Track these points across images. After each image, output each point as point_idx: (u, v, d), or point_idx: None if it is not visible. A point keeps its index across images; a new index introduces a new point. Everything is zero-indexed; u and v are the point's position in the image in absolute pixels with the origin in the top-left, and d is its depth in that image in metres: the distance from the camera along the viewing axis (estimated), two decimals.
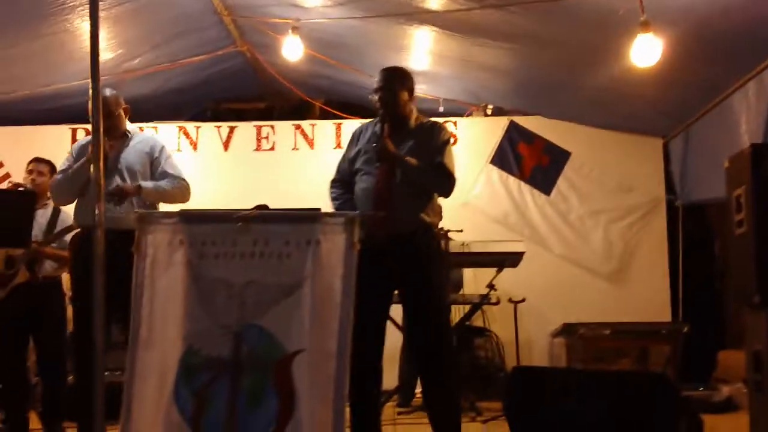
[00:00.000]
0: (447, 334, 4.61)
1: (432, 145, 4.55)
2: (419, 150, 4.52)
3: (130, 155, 5.09)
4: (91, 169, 3.60)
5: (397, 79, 4.63)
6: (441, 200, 4.72)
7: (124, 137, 5.16)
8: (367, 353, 4.40)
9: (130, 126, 5.30)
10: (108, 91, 5.15)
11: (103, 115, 4.77)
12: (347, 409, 3.54)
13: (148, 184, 5.03)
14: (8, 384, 5.91)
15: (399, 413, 6.43)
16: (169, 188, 5.11)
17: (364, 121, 8.58)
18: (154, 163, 5.16)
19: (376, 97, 4.62)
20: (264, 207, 7.10)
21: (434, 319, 4.49)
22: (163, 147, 5.31)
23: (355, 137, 4.78)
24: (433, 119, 4.90)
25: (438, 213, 4.66)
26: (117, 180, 4.96)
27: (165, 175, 5.16)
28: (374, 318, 4.45)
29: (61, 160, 5.41)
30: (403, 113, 4.61)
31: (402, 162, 4.45)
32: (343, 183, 4.76)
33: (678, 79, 6.69)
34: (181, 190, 5.20)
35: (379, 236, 4.26)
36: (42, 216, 5.83)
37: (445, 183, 4.55)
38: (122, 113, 5.19)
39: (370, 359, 4.45)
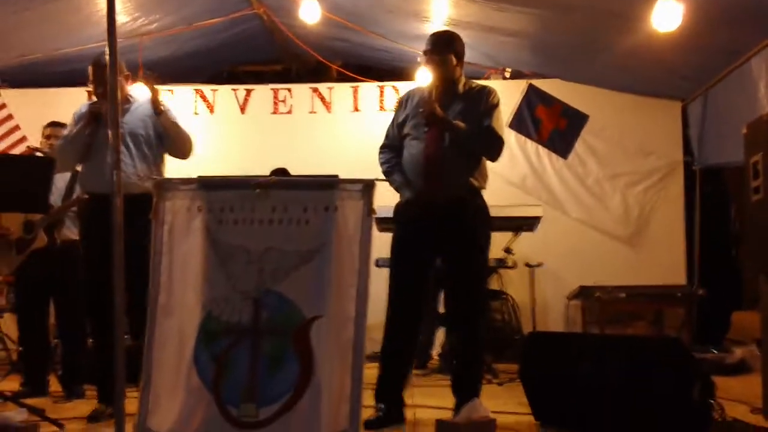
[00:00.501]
0: (484, 299, 4.68)
1: (480, 108, 4.53)
2: (468, 113, 4.51)
3: (133, 120, 5.06)
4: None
5: (446, 43, 4.62)
6: None
7: (126, 102, 5.13)
8: (405, 318, 4.52)
9: (132, 91, 5.27)
10: (104, 58, 5.11)
11: (100, 81, 4.86)
12: (365, 372, 3.55)
13: (171, 113, 5.05)
14: (29, 347, 6.01)
15: (415, 375, 6.47)
16: (183, 132, 5.10)
17: (382, 84, 8.72)
18: (155, 125, 5.07)
19: (424, 60, 4.66)
20: (283, 170, 7.19)
21: (475, 284, 4.57)
22: (165, 105, 5.21)
23: (403, 102, 4.76)
24: (481, 83, 4.85)
25: (485, 177, 4.66)
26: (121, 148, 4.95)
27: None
28: (415, 282, 4.53)
29: None
30: (452, 77, 4.60)
31: (450, 126, 4.44)
32: (392, 148, 4.74)
33: (697, 43, 6.64)
34: (190, 141, 5.16)
35: (429, 200, 4.38)
36: (61, 179, 5.85)
37: (494, 146, 4.54)
38: (123, 80, 5.14)
39: (407, 324, 4.54)
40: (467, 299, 4.53)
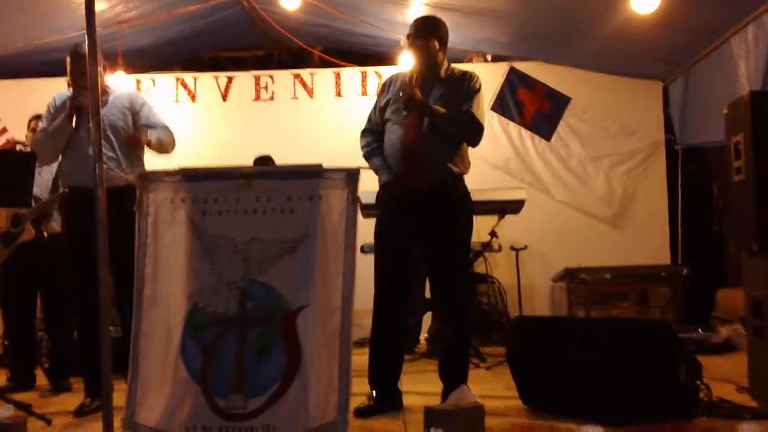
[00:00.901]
0: (469, 284, 4.68)
1: (461, 93, 4.54)
2: (449, 98, 4.52)
3: (112, 112, 5.01)
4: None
5: (429, 28, 4.63)
6: None
7: (104, 94, 5.07)
8: (392, 304, 4.53)
9: (108, 81, 5.24)
10: (82, 48, 5.08)
11: (79, 71, 4.81)
12: (352, 358, 3.54)
13: (152, 135, 4.97)
14: (16, 341, 5.98)
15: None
16: (165, 139, 5.07)
17: (365, 69, 8.69)
18: (135, 117, 5.06)
19: (407, 44, 4.70)
20: (267, 158, 7.17)
21: (459, 269, 4.58)
22: (143, 100, 5.25)
23: (386, 86, 4.75)
24: (460, 66, 4.86)
25: (467, 163, 4.65)
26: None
27: (151, 126, 5.08)
28: (400, 269, 4.55)
29: None
30: (434, 62, 4.59)
31: (428, 110, 4.45)
32: (373, 132, 4.75)
33: (677, 23, 6.66)
34: (173, 139, 5.17)
35: (409, 186, 4.39)
36: (47, 172, 5.83)
37: (472, 132, 4.54)
38: (102, 70, 5.09)
39: (395, 309, 4.56)
40: (451, 285, 4.55)
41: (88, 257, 3.76)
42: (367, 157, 4.71)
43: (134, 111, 5.08)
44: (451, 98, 4.52)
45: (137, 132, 4.96)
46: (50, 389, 5.68)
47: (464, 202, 4.62)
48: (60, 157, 5.06)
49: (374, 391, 4.47)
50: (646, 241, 8.36)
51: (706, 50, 7.19)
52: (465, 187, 4.66)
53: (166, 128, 5.13)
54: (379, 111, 4.71)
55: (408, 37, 4.65)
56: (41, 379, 5.90)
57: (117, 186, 4.49)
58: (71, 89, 5.10)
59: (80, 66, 4.71)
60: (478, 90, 4.58)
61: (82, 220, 3.65)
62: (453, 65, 4.75)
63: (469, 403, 3.96)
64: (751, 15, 6.18)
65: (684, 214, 8.39)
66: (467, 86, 4.56)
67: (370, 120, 4.80)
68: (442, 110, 4.45)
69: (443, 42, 4.63)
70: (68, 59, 5.02)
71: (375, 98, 4.91)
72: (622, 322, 4.99)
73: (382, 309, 4.52)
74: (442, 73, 4.62)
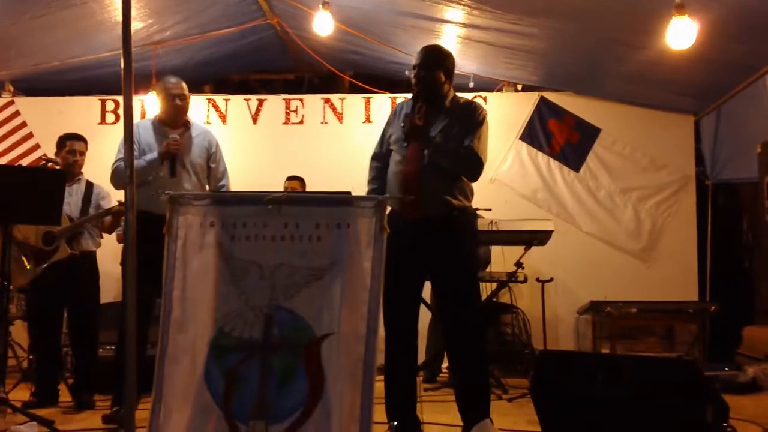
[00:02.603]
0: (477, 314, 4.59)
1: (465, 125, 4.46)
2: (452, 128, 4.44)
3: (195, 149, 5.28)
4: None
5: (435, 59, 4.55)
6: None
7: (185, 128, 5.27)
8: (401, 333, 4.44)
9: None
10: (174, 79, 5.36)
11: (177, 111, 5.11)
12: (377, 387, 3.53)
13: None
14: (42, 356, 6.01)
15: (425, 389, 6.46)
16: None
17: (394, 95, 8.70)
18: (210, 158, 5.37)
19: (412, 75, 4.56)
20: (298, 179, 7.24)
21: (465, 299, 4.45)
22: (217, 142, 5.50)
23: (397, 112, 4.70)
24: (463, 95, 4.77)
25: (470, 195, 4.57)
26: (185, 177, 5.13)
27: (218, 171, 5.40)
28: (407, 298, 4.47)
29: (90, 131, 5.50)
30: (439, 93, 4.53)
31: (430, 142, 4.38)
32: (380, 157, 4.73)
33: (711, 58, 6.62)
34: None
35: (409, 218, 4.29)
36: (76, 192, 5.91)
37: (471, 167, 4.45)
38: (186, 103, 5.35)
39: (404, 339, 4.47)
40: (459, 318, 4.45)
41: (147, 281, 3.88)
42: (368, 182, 4.74)
43: (210, 152, 5.38)
44: (454, 130, 4.45)
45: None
46: (73, 406, 5.69)
47: (466, 233, 4.54)
48: None
49: (394, 422, 4.37)
50: (674, 276, 8.28)
51: (741, 86, 7.14)
52: (470, 218, 4.61)
53: (227, 175, 5.45)
54: (387, 138, 4.69)
55: (414, 67, 4.55)
56: (64, 395, 5.91)
57: None
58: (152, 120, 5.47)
59: (171, 103, 5.16)
60: (482, 123, 4.49)
61: (149, 243, 3.70)
62: (459, 95, 4.68)
63: None
64: None
65: (713, 249, 8.31)
66: (471, 119, 4.48)
67: (380, 143, 4.77)
68: (442, 143, 4.39)
69: (449, 73, 4.56)
70: (165, 95, 5.31)
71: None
72: (650, 360, 4.92)
73: (392, 341, 4.44)
74: (447, 103, 4.55)
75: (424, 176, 4.39)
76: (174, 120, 5.31)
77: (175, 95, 5.29)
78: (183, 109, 5.32)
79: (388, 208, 4.31)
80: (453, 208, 4.44)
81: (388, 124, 4.75)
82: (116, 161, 5.27)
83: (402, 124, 4.43)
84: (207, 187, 5.32)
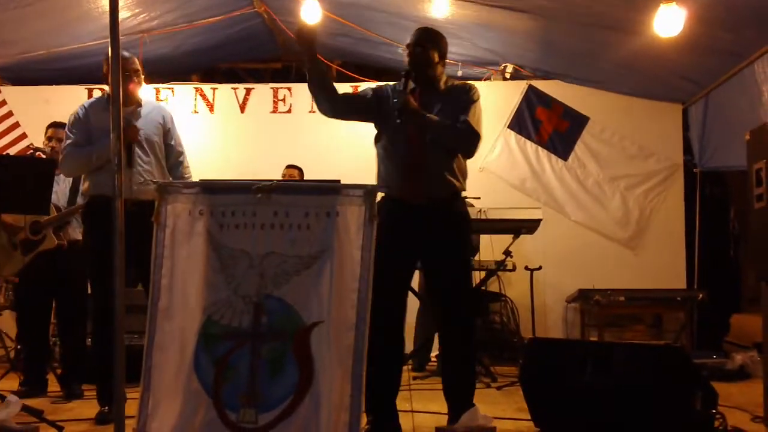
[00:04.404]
0: (469, 300, 4.57)
1: (459, 103, 4.38)
2: (448, 111, 4.36)
3: (148, 127, 5.08)
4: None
5: (430, 37, 4.48)
6: None
7: (138, 106, 5.13)
8: (388, 321, 4.34)
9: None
10: (127, 53, 5.09)
11: (126, 81, 4.84)
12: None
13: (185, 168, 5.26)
14: (30, 346, 5.99)
15: (414, 378, 6.48)
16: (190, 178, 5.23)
17: (382, 84, 8.64)
18: (167, 134, 5.19)
19: (406, 53, 4.48)
20: (296, 167, 7.26)
21: (459, 285, 4.42)
22: (172, 117, 5.32)
23: (385, 92, 4.53)
24: (462, 81, 4.67)
25: (464, 174, 4.49)
26: (138, 152, 4.97)
27: (175, 150, 5.23)
28: (396, 285, 4.40)
29: None
30: (432, 73, 4.45)
31: (423, 118, 4.28)
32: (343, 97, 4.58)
33: (699, 46, 6.63)
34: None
35: (413, 202, 4.25)
36: (63, 181, 5.88)
37: (468, 140, 4.35)
38: (137, 82, 5.12)
39: (391, 326, 4.39)
40: (450, 301, 4.40)
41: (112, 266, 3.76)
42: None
43: (165, 128, 5.18)
44: (451, 110, 4.36)
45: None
46: (62, 396, 5.68)
47: (465, 219, 4.52)
48: None
49: (370, 416, 4.24)
50: (662, 264, 8.31)
51: (728, 74, 7.15)
52: (463, 205, 4.56)
53: (185, 160, 5.31)
54: (373, 95, 4.53)
55: (408, 46, 4.46)
56: (53, 385, 5.90)
57: (151, 199, 4.50)
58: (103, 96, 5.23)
59: (127, 81, 4.85)
60: (476, 100, 4.42)
61: (108, 230, 3.62)
62: (451, 78, 4.62)
63: (481, 424, 3.94)
64: None
65: (701, 237, 8.34)
66: (465, 97, 4.41)
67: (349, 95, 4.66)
68: (436, 117, 4.30)
69: (443, 55, 4.49)
70: (105, 66, 4.97)
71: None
72: (638, 348, 4.94)
73: (378, 328, 4.37)
74: (441, 86, 4.49)
75: (428, 156, 4.32)
76: (127, 98, 4.97)
77: (131, 71, 5.03)
78: (138, 87, 5.12)
79: (379, 195, 4.30)
80: (456, 192, 4.40)
81: (375, 92, 4.56)
82: (65, 147, 5.08)
83: (395, 100, 4.31)
84: (164, 164, 5.16)
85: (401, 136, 4.36)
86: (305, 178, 7.53)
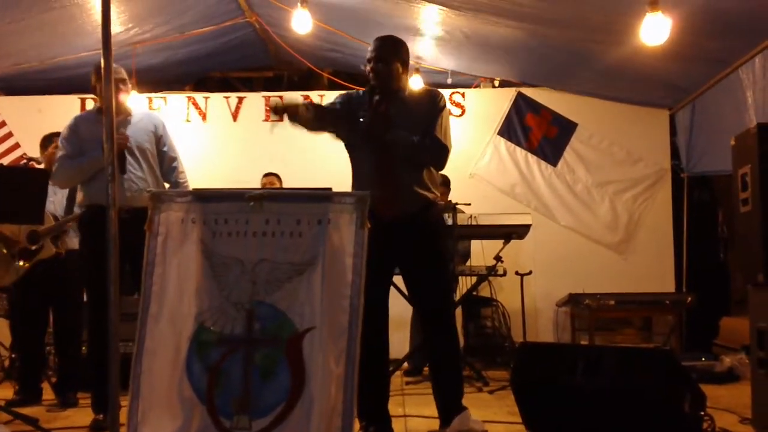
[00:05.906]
0: (449, 306, 4.60)
1: (425, 114, 4.36)
2: (412, 119, 4.33)
3: (139, 134, 5.11)
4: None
5: (391, 50, 4.41)
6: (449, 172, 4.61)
7: (128, 115, 5.17)
8: (372, 331, 4.23)
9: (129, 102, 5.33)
10: (114, 64, 5.11)
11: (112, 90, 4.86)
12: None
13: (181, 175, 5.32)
14: (25, 355, 6.01)
15: (407, 383, 6.52)
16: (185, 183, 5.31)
17: (352, 92, 8.69)
18: (159, 141, 5.24)
19: (368, 68, 4.43)
20: (275, 175, 7.25)
21: (439, 292, 4.46)
22: (164, 124, 5.37)
23: (354, 103, 4.53)
24: (441, 91, 4.70)
25: (436, 183, 4.49)
26: (130, 159, 5.01)
27: (168, 156, 5.27)
28: (378, 295, 4.34)
29: None
30: (396, 86, 4.41)
31: (392, 137, 4.27)
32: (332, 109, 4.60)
33: (685, 52, 6.69)
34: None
35: (384, 217, 4.14)
36: (61, 191, 5.88)
37: (437, 155, 4.37)
38: (125, 92, 5.17)
39: (375, 336, 4.35)
40: (435, 311, 4.45)
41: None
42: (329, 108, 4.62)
43: (157, 135, 5.22)
44: (415, 118, 4.34)
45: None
46: (57, 404, 5.68)
47: (440, 227, 4.55)
48: None
49: (364, 423, 4.28)
50: (651, 268, 8.38)
51: (714, 79, 7.23)
52: (437, 213, 4.55)
53: (181, 167, 5.36)
54: (340, 105, 4.56)
55: (369, 60, 4.39)
56: (47, 394, 5.91)
57: (145, 206, 4.53)
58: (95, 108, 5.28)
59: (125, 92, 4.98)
60: (442, 109, 4.39)
61: (104, 238, 3.66)
62: (413, 87, 4.60)
63: (473, 428, 3.98)
64: (758, 47, 6.23)
65: (689, 241, 8.41)
66: (431, 106, 4.39)
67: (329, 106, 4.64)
68: (405, 135, 4.28)
69: (405, 64, 4.46)
70: (94, 77, 5.06)
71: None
72: (628, 351, 4.99)
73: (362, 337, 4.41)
74: (405, 95, 4.46)
75: (397, 171, 4.32)
76: (117, 109, 4.86)
77: (118, 81, 4.96)
78: (125, 96, 5.16)
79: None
80: (428, 203, 4.40)
81: (344, 102, 4.58)
82: (58, 159, 5.14)
83: (361, 120, 4.32)
84: (158, 172, 5.20)
85: (369, 154, 4.38)
86: (297, 186, 7.55)
